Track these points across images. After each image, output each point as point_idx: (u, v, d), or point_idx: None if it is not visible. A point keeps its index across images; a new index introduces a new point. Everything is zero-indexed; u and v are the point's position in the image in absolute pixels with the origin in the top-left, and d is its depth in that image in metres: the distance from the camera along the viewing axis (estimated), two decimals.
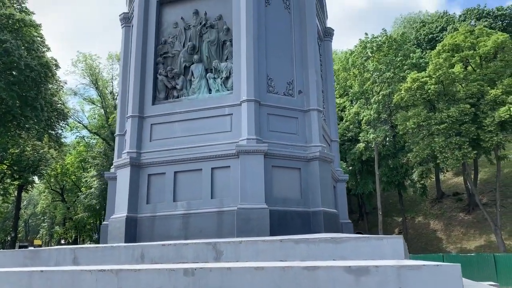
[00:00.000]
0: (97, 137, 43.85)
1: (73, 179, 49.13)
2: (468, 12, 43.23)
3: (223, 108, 10.13)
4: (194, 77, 10.87)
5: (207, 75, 10.76)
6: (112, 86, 45.47)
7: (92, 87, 44.43)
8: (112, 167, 11.84)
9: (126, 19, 13.01)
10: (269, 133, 9.96)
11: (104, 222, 11.21)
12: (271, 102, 10.18)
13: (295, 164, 9.93)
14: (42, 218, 60.50)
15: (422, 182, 36.55)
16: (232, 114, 10.04)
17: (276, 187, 9.58)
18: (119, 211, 10.01)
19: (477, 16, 42.31)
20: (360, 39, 36.18)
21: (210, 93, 10.63)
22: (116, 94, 45.48)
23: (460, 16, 43.74)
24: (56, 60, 30.40)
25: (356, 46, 36.87)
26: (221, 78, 10.60)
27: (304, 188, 9.85)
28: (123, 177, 10.22)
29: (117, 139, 12.17)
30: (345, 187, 13.16)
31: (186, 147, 10.10)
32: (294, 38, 10.99)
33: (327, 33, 14.00)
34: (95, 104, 45.82)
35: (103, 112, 43.44)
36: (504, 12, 41.93)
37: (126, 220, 9.60)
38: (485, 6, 43.16)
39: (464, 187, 39.28)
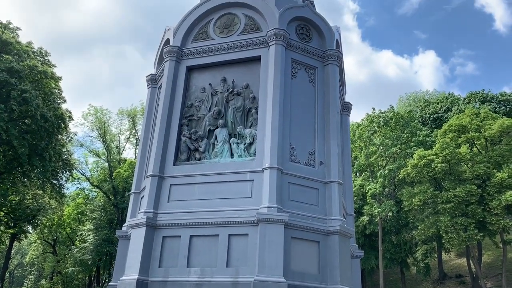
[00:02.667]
0: (98, 190, 43.41)
1: (68, 231, 47.88)
2: (473, 95, 44.84)
3: (245, 174, 10.12)
4: (217, 141, 11.00)
5: (231, 140, 10.89)
6: (119, 140, 45.89)
7: (99, 140, 44.81)
8: (124, 225, 11.60)
9: (153, 81, 13.41)
10: (289, 202, 9.86)
11: (111, 283, 10.72)
12: (293, 171, 10.20)
13: (314, 237, 9.71)
14: (30, 269, 58.06)
15: (426, 261, 35.51)
16: (253, 180, 10.01)
17: (294, 260, 9.28)
18: (129, 273, 9.60)
19: (481, 99, 43.80)
20: (367, 113, 37.09)
21: (232, 157, 10.71)
22: (122, 149, 45.88)
23: (464, 98, 45.30)
24: (70, 112, 30.94)
25: (363, 120, 37.69)
26: (245, 144, 10.72)
27: (323, 263, 9.54)
28: (137, 238, 9.94)
29: (132, 197, 12.03)
30: (360, 263, 12.75)
31: (204, 210, 9.95)
32: (317, 110, 11.28)
33: (346, 107, 14.38)
34: (99, 157, 45.89)
35: (107, 166, 43.40)
36: (508, 98, 43.46)
37: (136, 284, 9.16)
38: (490, 91, 44.84)
39: (467, 269, 38.08)
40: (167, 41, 12.99)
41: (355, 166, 36.71)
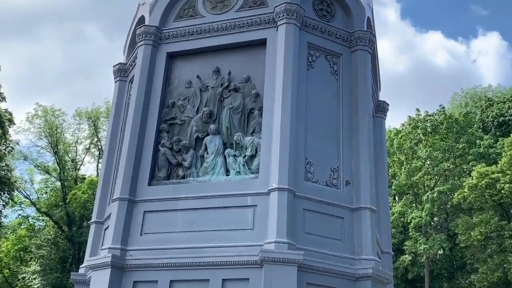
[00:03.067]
0: (47, 219, 43.45)
1: (6, 274, 47.85)
2: None
3: (245, 197, 10.15)
4: (208, 153, 11.07)
5: (226, 151, 10.94)
6: (76, 152, 46.10)
7: (50, 151, 44.95)
8: (82, 265, 11.64)
9: (122, 72, 13.54)
10: (304, 236, 9.87)
11: None
12: (309, 194, 10.22)
13: (338, 283, 9.69)
14: None
15: None
16: (256, 205, 10.05)
17: None
18: None
19: None
20: (409, 116, 37.19)
21: (228, 175, 10.74)
22: (80, 163, 46.04)
23: None
24: (10, 114, 31.11)
25: (404, 125, 37.77)
26: (244, 157, 10.76)
27: None
28: (99, 283, 9.94)
29: (93, 228, 12.06)
30: None
31: (189, 246, 9.98)
32: (342, 111, 11.36)
33: (380, 108, 14.46)
34: (49, 174, 46.00)
35: (60, 186, 43.48)
36: None
37: None
38: None
39: None
40: (141, 19, 13.10)
41: (393, 187, 36.68)
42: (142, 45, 12.27)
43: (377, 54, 14.39)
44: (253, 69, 11.56)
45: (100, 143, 43.32)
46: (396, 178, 37.18)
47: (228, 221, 10.01)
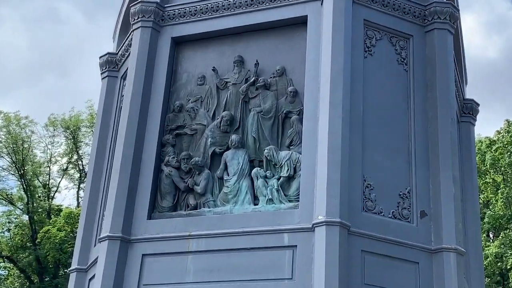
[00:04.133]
0: (11, 265, 43.95)
1: None
2: None
3: (280, 234, 10.14)
4: (228, 174, 11.11)
5: (253, 171, 10.97)
6: (49, 174, 46.53)
7: (14, 173, 45.47)
8: None
9: (111, 65, 13.77)
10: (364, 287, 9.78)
11: None
12: (370, 229, 10.14)
13: None
14: None
15: None
16: (295, 246, 10.01)
17: None
18: None
19: None
20: (507, 120, 36.61)
21: (256, 203, 10.79)
22: (54, 190, 46.43)
23: None
24: None
25: (499, 132, 37.24)
26: (279, 179, 10.76)
27: None
28: None
29: (73, 277, 12.18)
30: None
31: None
32: (414, 115, 11.33)
33: (468, 110, 14.39)
34: (13, 205, 46.52)
35: (27, 221, 43.93)
36: None
37: None
38: None
39: None
40: None
41: (486, 219, 36.12)
42: (138, 28, 12.43)
43: (461, 34, 14.27)
44: (289, 59, 11.62)
45: (82, 161, 43.73)
46: (491, 207, 36.61)
47: (258, 268, 9.97)
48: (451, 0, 12.52)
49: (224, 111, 11.59)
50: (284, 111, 11.27)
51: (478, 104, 14.52)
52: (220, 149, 11.33)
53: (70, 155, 44.78)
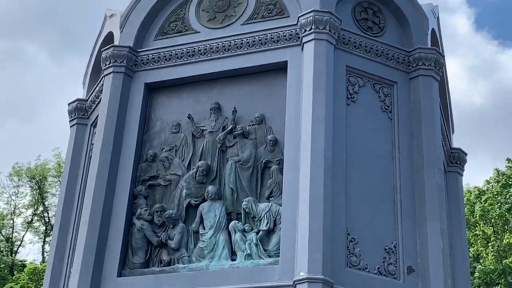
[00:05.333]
0: None
1: None
2: None
3: None
4: (204, 227, 11.04)
5: (231, 224, 10.90)
6: (13, 227, 45.93)
7: None
8: None
9: (80, 112, 13.71)
10: None
11: None
12: (354, 287, 10.04)
13: None
14: None
15: None
16: None
17: None
18: None
19: None
20: (496, 169, 36.90)
21: (234, 259, 10.67)
22: (18, 245, 45.75)
23: None
24: None
25: (489, 182, 37.47)
26: (258, 232, 10.69)
27: None
28: None
29: None
30: None
31: None
32: (399, 165, 11.36)
33: (455, 159, 14.46)
34: None
35: None
36: None
37: None
38: None
39: None
40: (109, 37, 13.40)
41: (476, 274, 36.09)
42: (110, 73, 12.45)
43: (447, 81, 14.47)
44: (269, 106, 11.69)
45: (48, 213, 43.32)
46: (481, 261, 36.61)
47: None
48: (435, 45, 12.71)
49: (200, 160, 11.54)
50: (264, 161, 11.24)
51: (465, 154, 14.60)
52: (195, 201, 11.24)
53: (35, 207, 44.32)
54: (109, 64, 12.50)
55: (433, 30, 12.74)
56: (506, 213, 35.25)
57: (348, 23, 11.93)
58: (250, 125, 11.61)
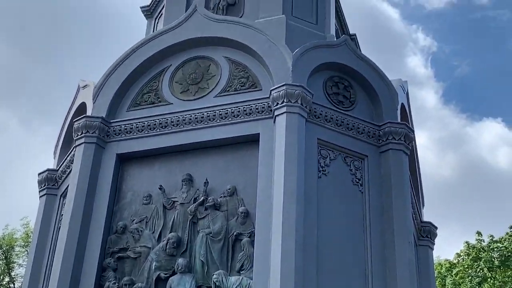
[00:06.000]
0: None
1: None
2: None
3: None
4: None
5: None
6: None
7: None
8: None
9: (50, 182, 13.66)
10: None
11: None
12: None
13: None
14: None
15: None
16: None
17: None
18: None
19: None
20: (467, 242, 37.02)
21: None
22: None
23: None
24: None
25: (459, 255, 37.53)
26: None
27: None
28: None
29: None
30: None
31: None
32: (370, 238, 11.41)
33: (425, 232, 14.59)
34: None
35: None
36: None
37: None
38: None
39: None
40: (82, 107, 13.47)
41: None
42: (81, 143, 12.47)
43: (416, 154, 14.66)
44: (241, 178, 11.71)
45: (14, 284, 42.48)
46: None
47: None
48: (405, 119, 12.92)
49: (170, 232, 11.48)
50: (235, 233, 11.22)
51: (436, 227, 14.72)
52: (165, 274, 11.12)
53: (1, 277, 43.54)
54: (81, 134, 12.53)
55: (402, 105, 12.98)
56: (477, 287, 35.22)
57: (320, 97, 12.13)
58: (221, 196, 11.62)
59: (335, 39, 13.83)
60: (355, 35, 16.37)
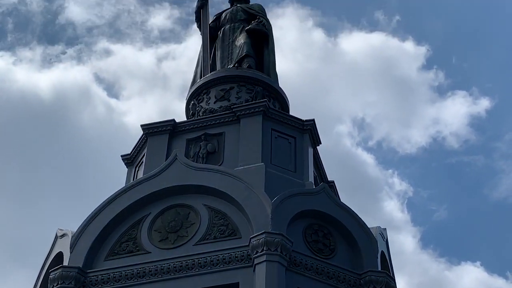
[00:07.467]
0: None
1: None
2: None
3: None
4: None
5: None
6: None
7: None
8: None
9: None
10: None
11: None
12: None
13: None
14: None
15: None
16: None
17: None
18: None
19: None
20: None
21: None
22: None
23: None
24: None
25: None
26: None
27: None
28: None
29: None
30: None
31: None
32: None
33: None
34: None
35: None
36: None
37: None
38: None
39: None
40: (59, 256, 13.31)
41: None
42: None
43: None
44: None
45: None
46: None
47: None
48: (385, 267, 12.85)
49: None
50: None
51: None
52: None
53: None
54: (56, 285, 12.24)
55: (382, 252, 12.95)
56: None
57: (300, 244, 12.14)
58: None
59: (314, 187, 13.96)
60: (333, 182, 16.48)
